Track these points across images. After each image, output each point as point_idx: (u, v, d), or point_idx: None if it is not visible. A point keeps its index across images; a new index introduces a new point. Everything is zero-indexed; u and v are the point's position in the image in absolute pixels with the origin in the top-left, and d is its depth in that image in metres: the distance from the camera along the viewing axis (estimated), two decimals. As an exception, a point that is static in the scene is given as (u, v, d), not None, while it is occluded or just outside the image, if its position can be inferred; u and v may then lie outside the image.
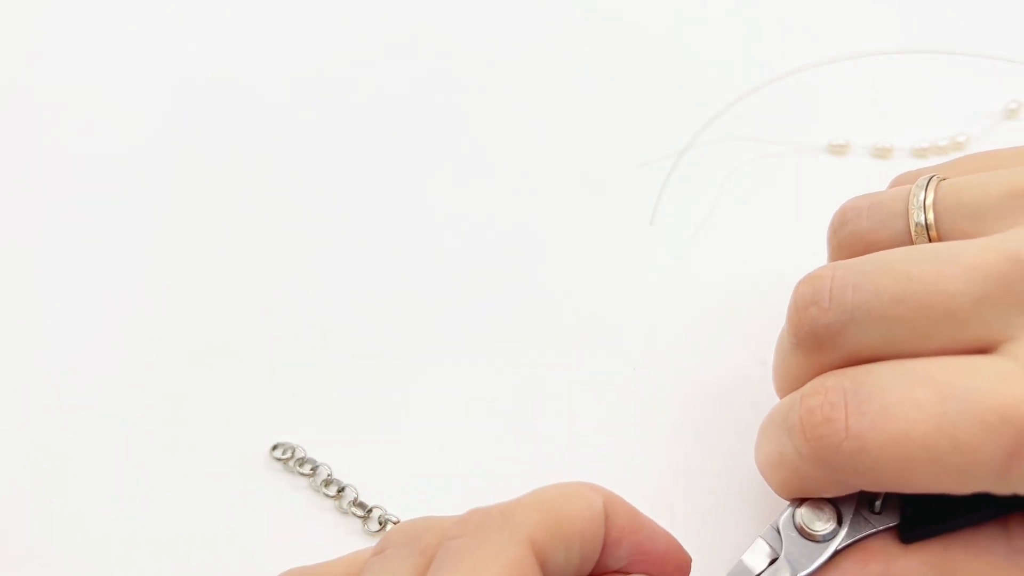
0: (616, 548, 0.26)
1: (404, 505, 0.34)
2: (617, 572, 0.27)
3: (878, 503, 0.28)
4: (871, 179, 0.41)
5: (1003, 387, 0.24)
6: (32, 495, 0.35)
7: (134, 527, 0.34)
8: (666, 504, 0.34)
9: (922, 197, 0.29)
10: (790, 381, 0.29)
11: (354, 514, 0.34)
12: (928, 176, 0.29)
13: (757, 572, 0.28)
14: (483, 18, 0.49)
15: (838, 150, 0.42)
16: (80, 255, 0.41)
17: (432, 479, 0.35)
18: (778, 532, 0.28)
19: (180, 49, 0.49)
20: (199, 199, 0.43)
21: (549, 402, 0.36)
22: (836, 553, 0.27)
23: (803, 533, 0.27)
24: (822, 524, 0.27)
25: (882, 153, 0.42)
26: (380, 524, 0.33)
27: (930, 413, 0.24)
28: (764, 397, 0.35)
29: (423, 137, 0.45)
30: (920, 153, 0.42)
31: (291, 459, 0.35)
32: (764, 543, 0.28)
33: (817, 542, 0.27)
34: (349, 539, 0.34)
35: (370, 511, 0.34)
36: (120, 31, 0.50)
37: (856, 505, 0.28)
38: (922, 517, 0.27)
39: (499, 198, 0.43)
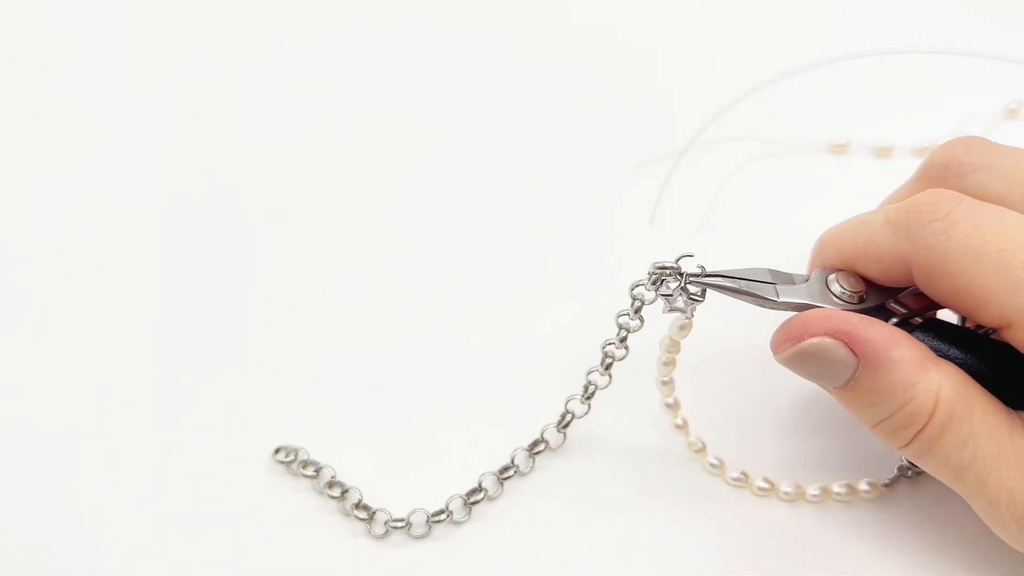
0: None
1: (408, 506, 0.34)
2: None
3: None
4: (872, 178, 0.41)
5: None
6: (33, 498, 0.35)
7: (135, 531, 0.34)
8: (666, 504, 0.34)
9: None
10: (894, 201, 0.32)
11: (357, 517, 0.33)
12: None
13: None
14: (483, 19, 0.49)
15: (839, 149, 0.42)
16: (82, 256, 0.41)
17: (434, 481, 0.35)
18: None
19: (174, 45, 0.49)
20: (200, 204, 0.43)
21: (550, 402, 0.36)
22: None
23: (829, 288, 0.30)
24: (848, 290, 0.30)
25: (883, 152, 0.42)
26: (384, 527, 0.33)
27: None
28: (764, 396, 0.36)
29: (423, 139, 0.45)
30: (921, 153, 0.42)
31: (294, 462, 0.35)
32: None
33: (841, 302, 0.30)
34: (353, 541, 0.33)
35: (374, 514, 0.34)
36: (109, 26, 0.50)
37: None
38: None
39: (500, 199, 0.43)
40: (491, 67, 0.47)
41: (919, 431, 0.28)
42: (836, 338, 0.28)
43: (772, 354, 0.30)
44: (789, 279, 0.31)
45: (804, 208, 0.41)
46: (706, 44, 0.47)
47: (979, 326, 0.30)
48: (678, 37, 0.47)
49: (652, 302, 0.32)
